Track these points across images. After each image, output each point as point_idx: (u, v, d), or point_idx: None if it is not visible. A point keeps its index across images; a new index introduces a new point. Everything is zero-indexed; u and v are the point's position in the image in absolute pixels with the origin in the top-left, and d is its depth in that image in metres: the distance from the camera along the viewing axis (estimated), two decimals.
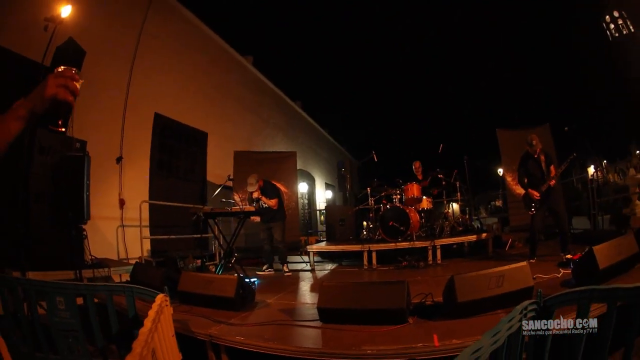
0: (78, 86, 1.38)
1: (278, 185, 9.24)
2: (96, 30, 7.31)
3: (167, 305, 2.77)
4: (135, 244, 8.06)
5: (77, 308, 3.50)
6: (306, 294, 5.87)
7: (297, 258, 9.34)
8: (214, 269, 8.41)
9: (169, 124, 9.86)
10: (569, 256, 5.61)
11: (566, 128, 7.98)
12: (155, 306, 2.54)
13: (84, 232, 5.97)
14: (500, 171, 12.31)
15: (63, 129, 1.42)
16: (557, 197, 6.48)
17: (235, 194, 10.18)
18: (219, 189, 8.17)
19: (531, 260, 6.03)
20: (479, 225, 9.80)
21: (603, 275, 3.91)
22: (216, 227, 7.15)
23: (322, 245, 9.03)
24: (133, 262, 7.67)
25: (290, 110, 18.70)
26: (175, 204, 9.41)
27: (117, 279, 6.27)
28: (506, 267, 3.73)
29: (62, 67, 1.35)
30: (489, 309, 3.55)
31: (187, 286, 4.85)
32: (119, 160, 8.09)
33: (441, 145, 9.76)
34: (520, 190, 7.72)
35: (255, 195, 7.72)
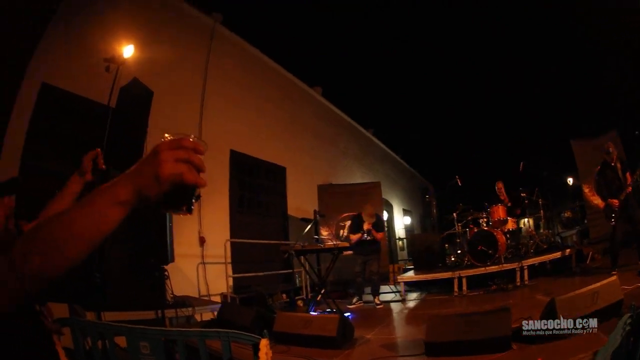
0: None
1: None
2: (160, 71, 7.35)
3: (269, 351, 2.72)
4: (217, 281, 8.00)
5: (165, 354, 3.24)
6: (403, 327, 5.74)
7: (385, 288, 9.02)
8: (301, 304, 8.21)
9: (246, 160, 9.85)
10: None
11: (637, 132, 8.02)
12: (262, 354, 2.61)
13: (166, 273, 5.87)
14: (570, 181, 11.87)
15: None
16: (634, 203, 6.32)
17: (322, 228, 9.95)
18: (309, 226, 8.01)
19: (613, 272, 5.86)
20: (559, 241, 9.30)
21: None
22: (307, 263, 7.21)
23: (412, 275, 8.79)
24: (215, 299, 7.66)
25: (363, 138, 18.38)
26: (260, 241, 9.34)
27: (198, 318, 6.07)
28: (599, 284, 3.85)
29: (174, 135, 0.90)
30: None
31: (284, 326, 4.69)
32: (197, 198, 8.05)
33: (522, 163, 9.40)
34: (597, 201, 7.67)
35: (366, 227, 7.59)
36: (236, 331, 3.20)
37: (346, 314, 6.38)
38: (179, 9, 8.16)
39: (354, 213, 8.60)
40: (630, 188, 6.24)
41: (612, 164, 6.49)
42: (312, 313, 6.27)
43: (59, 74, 5.66)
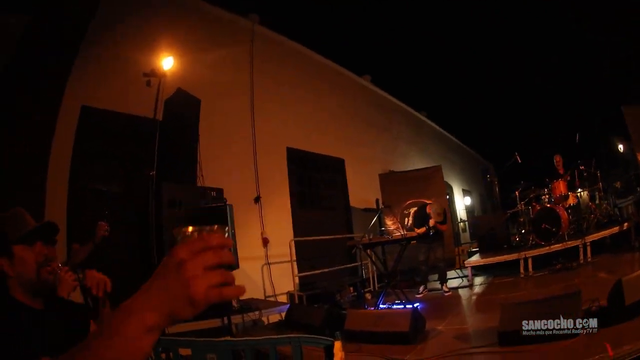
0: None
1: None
2: (206, 79, 7.34)
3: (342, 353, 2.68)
4: (282, 280, 8.00)
5: None
6: (474, 315, 5.57)
7: (452, 273, 8.91)
8: (369, 297, 8.15)
9: (303, 155, 9.82)
10: None
11: None
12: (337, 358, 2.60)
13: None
14: (621, 148, 11.18)
15: None
16: None
17: (386, 217, 9.78)
18: (375, 217, 7.89)
19: None
20: (617, 213, 8.95)
21: None
22: (374, 255, 7.08)
23: (479, 259, 8.54)
24: (281, 298, 7.70)
25: (417, 122, 17.92)
26: (324, 237, 9.27)
27: (265, 320, 6.08)
28: None
29: (194, 230, 0.78)
30: None
31: (355, 324, 4.62)
32: (257, 200, 8.14)
33: (577, 134, 9.34)
34: None
35: (432, 223, 7.40)
36: (307, 335, 3.15)
37: (415, 305, 6.25)
38: (214, 14, 8.15)
39: (419, 201, 8.44)
40: None
41: None
42: (381, 307, 6.28)
43: (98, 95, 5.77)
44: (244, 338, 3.78)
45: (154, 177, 5.21)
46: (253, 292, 6.84)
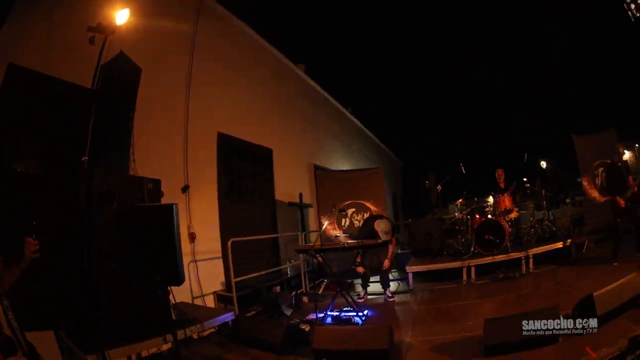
0: None
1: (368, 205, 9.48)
2: (146, 45, 6.34)
3: None
4: (208, 279, 7.32)
5: None
6: (437, 324, 5.43)
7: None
8: (306, 300, 7.83)
9: (233, 143, 9.02)
10: None
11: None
12: None
13: (169, 289, 5.12)
14: (544, 164, 12.29)
15: None
16: (637, 202, 6.95)
17: (322, 217, 9.38)
18: (325, 224, 8.24)
19: (615, 263, 6.73)
20: (555, 229, 9.48)
21: None
22: (321, 260, 6.68)
23: (422, 266, 8.49)
24: (208, 300, 7.01)
25: (343, 117, 17.81)
26: (260, 237, 8.81)
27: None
28: (623, 279, 4.39)
29: None
30: (616, 316, 4.06)
31: (325, 343, 4.23)
32: (185, 189, 7.29)
33: (526, 154, 9.70)
34: (595, 194, 9.18)
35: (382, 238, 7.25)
36: None
37: (365, 312, 6.16)
38: None
39: (358, 202, 8.31)
40: (636, 188, 6.95)
41: (619, 165, 7.21)
42: (330, 313, 6.06)
43: (31, 51, 4.69)
44: None
45: (85, 163, 4.21)
46: (180, 293, 6.00)
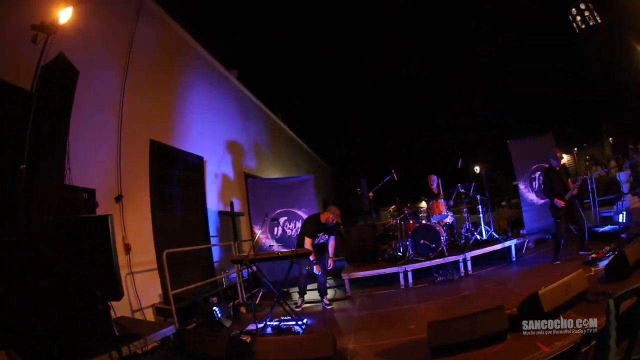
0: None
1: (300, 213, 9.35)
2: (82, 45, 5.98)
3: None
4: (146, 291, 6.97)
5: None
6: (379, 330, 5.41)
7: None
8: (244, 311, 7.70)
9: (166, 150, 8.68)
10: (594, 255, 6.44)
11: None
12: None
13: (109, 304, 4.83)
14: (478, 170, 13.16)
15: None
16: (576, 204, 7.32)
17: (255, 226, 9.23)
18: (259, 234, 8.16)
19: (557, 262, 7.16)
20: (493, 232, 9.78)
21: (632, 270, 4.80)
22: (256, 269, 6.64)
23: (359, 272, 8.44)
24: (148, 313, 6.73)
25: (274, 125, 17.83)
26: (191, 248, 8.51)
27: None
28: (569, 277, 4.50)
29: None
30: (564, 311, 4.17)
31: (269, 354, 4.14)
32: (118, 199, 6.92)
33: (459, 160, 9.97)
34: (532, 197, 9.56)
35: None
36: None
37: (305, 320, 6.13)
38: None
39: (290, 210, 8.32)
40: (576, 190, 7.16)
41: (558, 169, 7.41)
42: (270, 323, 6.04)
43: None
44: None
45: (23, 172, 3.87)
46: (120, 307, 5.68)
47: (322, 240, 7.31)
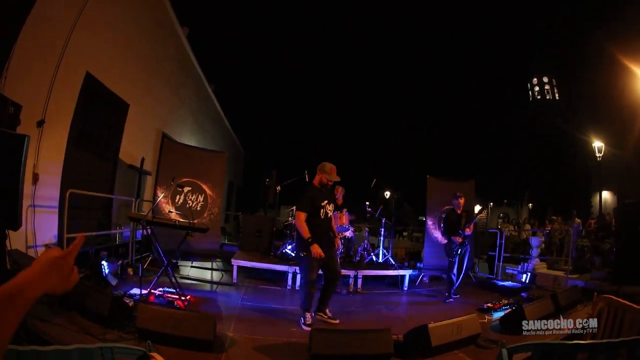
0: None
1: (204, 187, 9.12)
2: None
3: None
4: (42, 229, 6.50)
5: None
6: (263, 324, 5.43)
7: (208, 263, 8.94)
8: (131, 272, 7.37)
9: (98, 88, 8.15)
10: (489, 305, 6.74)
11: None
12: None
13: (6, 232, 4.48)
14: (389, 194, 13.66)
15: None
16: (467, 246, 7.68)
17: (159, 188, 8.75)
18: (161, 197, 7.71)
19: (450, 300, 7.49)
20: (391, 259, 9.95)
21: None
22: (151, 235, 6.27)
23: (250, 262, 8.33)
24: (40, 252, 6.25)
25: (204, 94, 17.37)
26: (97, 194, 8.27)
27: None
28: (462, 318, 4.72)
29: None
30: (451, 349, 4.44)
31: (150, 324, 4.08)
32: (40, 123, 6.41)
33: (374, 180, 10.19)
34: (438, 235, 9.64)
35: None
36: (120, 345, 2.82)
37: (187, 296, 5.99)
38: None
39: (194, 181, 8.66)
40: (470, 229, 7.57)
41: (458, 212, 7.77)
42: (154, 291, 5.88)
43: None
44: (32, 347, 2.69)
45: None
46: (15, 239, 5.25)
47: (329, 214, 5.95)
